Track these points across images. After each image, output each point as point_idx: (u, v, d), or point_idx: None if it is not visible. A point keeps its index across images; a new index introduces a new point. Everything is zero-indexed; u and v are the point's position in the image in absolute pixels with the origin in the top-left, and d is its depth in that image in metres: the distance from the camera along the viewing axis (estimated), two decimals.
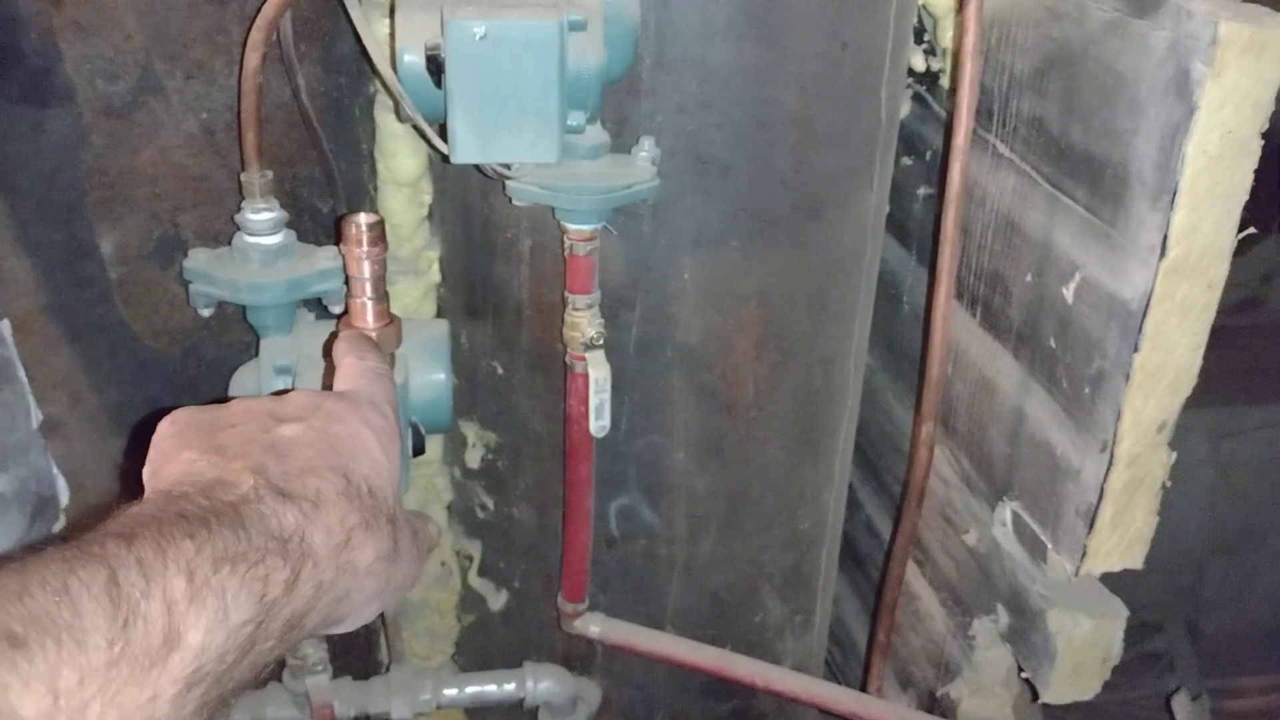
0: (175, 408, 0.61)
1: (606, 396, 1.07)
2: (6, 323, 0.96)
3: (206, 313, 1.05)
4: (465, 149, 0.91)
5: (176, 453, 0.56)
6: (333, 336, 0.85)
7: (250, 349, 1.11)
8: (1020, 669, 1.27)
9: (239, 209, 1.01)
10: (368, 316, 0.86)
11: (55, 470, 1.02)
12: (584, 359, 1.06)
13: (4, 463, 0.97)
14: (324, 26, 1.06)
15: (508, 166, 0.96)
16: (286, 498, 0.53)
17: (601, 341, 1.06)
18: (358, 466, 0.58)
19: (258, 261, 1.01)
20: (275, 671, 1.24)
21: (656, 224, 1.06)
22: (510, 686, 1.29)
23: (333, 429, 0.60)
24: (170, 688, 0.45)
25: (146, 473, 0.57)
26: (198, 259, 1.02)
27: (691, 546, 1.25)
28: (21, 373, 0.98)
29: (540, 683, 1.29)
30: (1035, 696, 1.23)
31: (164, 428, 0.59)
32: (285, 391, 0.66)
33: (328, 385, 0.72)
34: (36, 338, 1.05)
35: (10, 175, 0.99)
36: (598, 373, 1.06)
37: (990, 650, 1.32)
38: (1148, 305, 0.95)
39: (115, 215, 1.04)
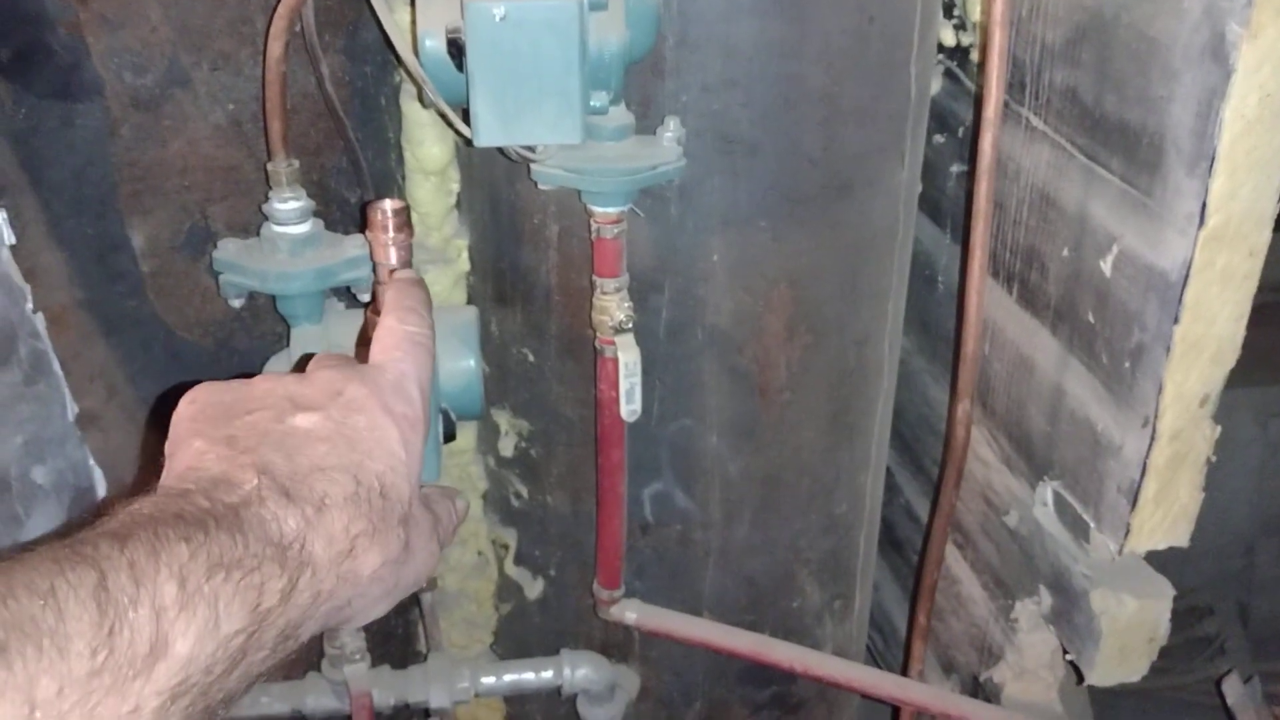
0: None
1: (637, 381, 1.07)
2: (41, 316, 0.97)
3: (237, 303, 1.05)
4: (487, 131, 0.91)
5: (189, 440, 0.55)
6: (367, 324, 0.85)
7: (282, 339, 1.11)
8: (1065, 651, 1.25)
9: (267, 199, 1.02)
10: None
11: (92, 462, 1.03)
12: (613, 343, 1.06)
13: (41, 455, 0.98)
14: (347, 15, 1.06)
15: (532, 149, 0.96)
16: (290, 500, 0.51)
17: (631, 325, 1.05)
18: (372, 464, 0.56)
19: (286, 251, 1.01)
20: (314, 661, 1.25)
21: (684, 205, 1.06)
22: (548, 674, 1.29)
23: (351, 420, 0.57)
24: (154, 699, 0.43)
25: (166, 451, 0.56)
26: (227, 249, 1.03)
27: (726, 531, 1.24)
28: (57, 366, 0.99)
29: (578, 670, 1.28)
30: (1081, 679, 1.21)
31: (183, 407, 0.58)
32: (310, 359, 0.63)
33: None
34: (72, 331, 1.06)
35: (42, 170, 1.00)
36: (627, 356, 1.05)
37: (1034, 633, 1.30)
38: (1187, 275, 0.93)
39: (145, 208, 1.05)
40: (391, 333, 0.65)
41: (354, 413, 0.58)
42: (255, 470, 0.52)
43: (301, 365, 0.64)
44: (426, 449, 0.80)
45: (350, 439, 0.56)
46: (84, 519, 0.48)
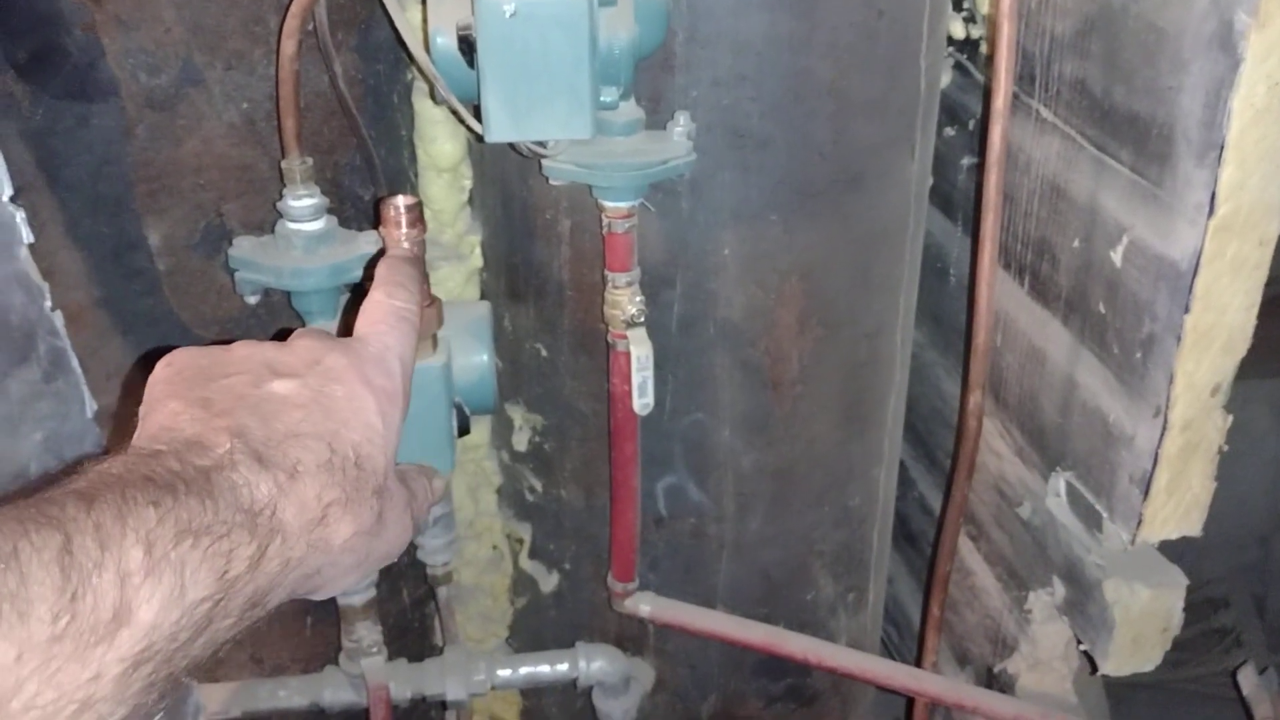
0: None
1: (649, 374, 1.07)
2: (59, 314, 0.98)
3: (253, 300, 1.06)
4: (499, 128, 0.92)
5: (164, 401, 0.54)
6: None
7: None
8: (1079, 642, 1.25)
9: (281, 197, 1.02)
10: None
11: None
12: (625, 337, 1.06)
13: (60, 451, 0.99)
14: (360, 14, 1.07)
15: (543, 145, 0.97)
16: (263, 465, 0.50)
17: (642, 319, 1.06)
18: (348, 433, 0.55)
19: (300, 248, 1.02)
20: (331, 654, 1.26)
21: (695, 199, 1.06)
22: (563, 667, 1.30)
23: (328, 389, 0.56)
24: (116, 666, 0.43)
25: (140, 412, 0.55)
26: (242, 247, 1.03)
27: (740, 525, 1.25)
28: (75, 363, 1.00)
29: (593, 663, 1.29)
30: (1094, 670, 1.21)
31: (160, 370, 0.57)
32: (291, 331, 0.62)
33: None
34: (89, 330, 1.07)
35: (59, 170, 1.01)
36: (639, 350, 1.06)
37: (1047, 624, 1.30)
38: (1197, 265, 0.93)
39: (161, 207, 1.06)
40: (378, 306, 0.64)
41: (332, 382, 0.57)
42: (229, 434, 0.51)
43: (281, 337, 0.64)
44: (441, 441, 0.80)
45: (326, 407, 0.55)
46: (53, 476, 0.47)
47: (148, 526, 0.44)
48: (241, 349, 0.59)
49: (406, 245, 0.85)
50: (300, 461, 0.52)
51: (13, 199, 0.96)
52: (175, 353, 0.58)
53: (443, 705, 1.31)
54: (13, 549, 0.41)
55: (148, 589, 0.44)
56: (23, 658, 0.40)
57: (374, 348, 0.61)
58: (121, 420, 1.11)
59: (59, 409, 1.00)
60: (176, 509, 0.46)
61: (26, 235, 0.96)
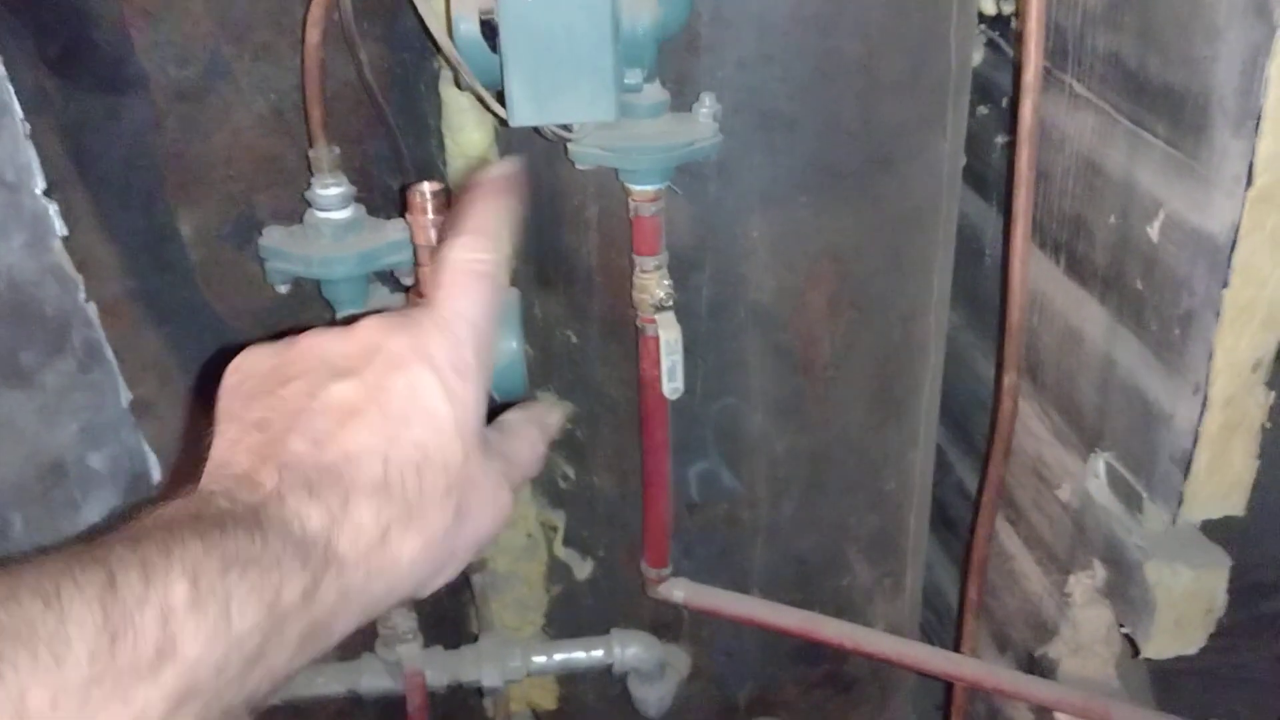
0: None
1: (678, 358, 1.07)
2: (93, 306, 1.00)
3: (284, 289, 1.07)
4: (523, 112, 0.92)
5: (226, 421, 0.53)
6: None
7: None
8: (1121, 625, 1.23)
9: (310, 186, 1.03)
10: None
11: (146, 448, 1.06)
12: (654, 321, 1.06)
13: (97, 441, 1.01)
14: (385, 3, 1.07)
15: (568, 129, 0.96)
16: (313, 495, 0.49)
17: (671, 303, 1.05)
18: (409, 432, 0.52)
19: (329, 236, 1.02)
20: (367, 641, 1.27)
21: (722, 182, 1.05)
22: (598, 653, 1.30)
23: (387, 382, 0.53)
24: (160, 704, 0.41)
25: (216, 421, 0.54)
26: (272, 236, 1.04)
27: (774, 510, 1.24)
28: (110, 354, 1.01)
29: (628, 649, 1.29)
30: (1137, 653, 1.19)
31: (228, 377, 0.55)
32: (360, 317, 0.57)
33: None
34: (124, 321, 1.08)
35: (91, 163, 1.02)
36: (668, 334, 1.06)
37: (1088, 608, 1.28)
38: (1236, 238, 0.91)
39: (193, 198, 1.06)
40: (448, 265, 0.57)
41: (392, 371, 0.53)
42: (278, 468, 0.50)
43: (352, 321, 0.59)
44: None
45: (384, 406, 0.52)
46: (114, 520, 0.47)
47: (194, 559, 0.43)
48: (304, 344, 0.55)
49: (434, 232, 0.86)
50: (354, 483, 0.50)
51: (46, 193, 0.97)
52: (242, 357, 0.56)
53: (479, 692, 1.31)
54: (55, 588, 0.40)
55: (192, 623, 0.43)
56: (57, 701, 0.39)
57: (437, 316, 0.55)
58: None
59: (94, 399, 1.02)
60: (223, 541, 0.45)
61: (60, 228, 0.98)
